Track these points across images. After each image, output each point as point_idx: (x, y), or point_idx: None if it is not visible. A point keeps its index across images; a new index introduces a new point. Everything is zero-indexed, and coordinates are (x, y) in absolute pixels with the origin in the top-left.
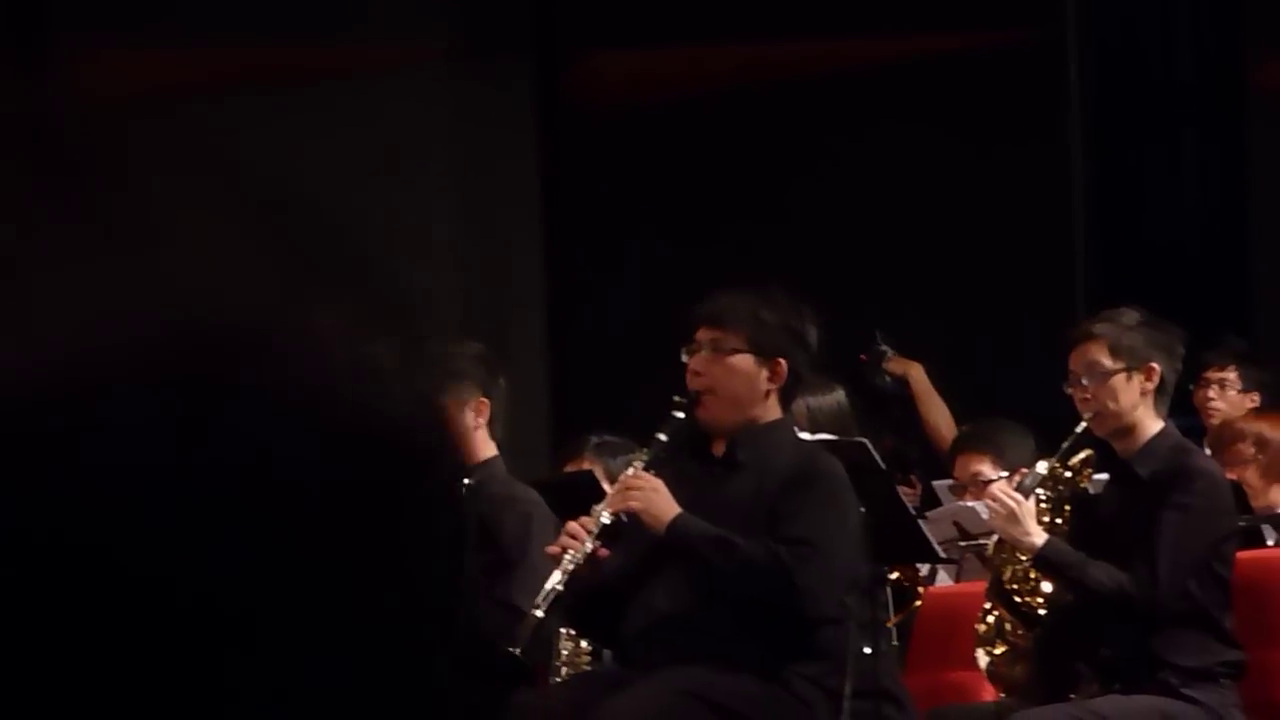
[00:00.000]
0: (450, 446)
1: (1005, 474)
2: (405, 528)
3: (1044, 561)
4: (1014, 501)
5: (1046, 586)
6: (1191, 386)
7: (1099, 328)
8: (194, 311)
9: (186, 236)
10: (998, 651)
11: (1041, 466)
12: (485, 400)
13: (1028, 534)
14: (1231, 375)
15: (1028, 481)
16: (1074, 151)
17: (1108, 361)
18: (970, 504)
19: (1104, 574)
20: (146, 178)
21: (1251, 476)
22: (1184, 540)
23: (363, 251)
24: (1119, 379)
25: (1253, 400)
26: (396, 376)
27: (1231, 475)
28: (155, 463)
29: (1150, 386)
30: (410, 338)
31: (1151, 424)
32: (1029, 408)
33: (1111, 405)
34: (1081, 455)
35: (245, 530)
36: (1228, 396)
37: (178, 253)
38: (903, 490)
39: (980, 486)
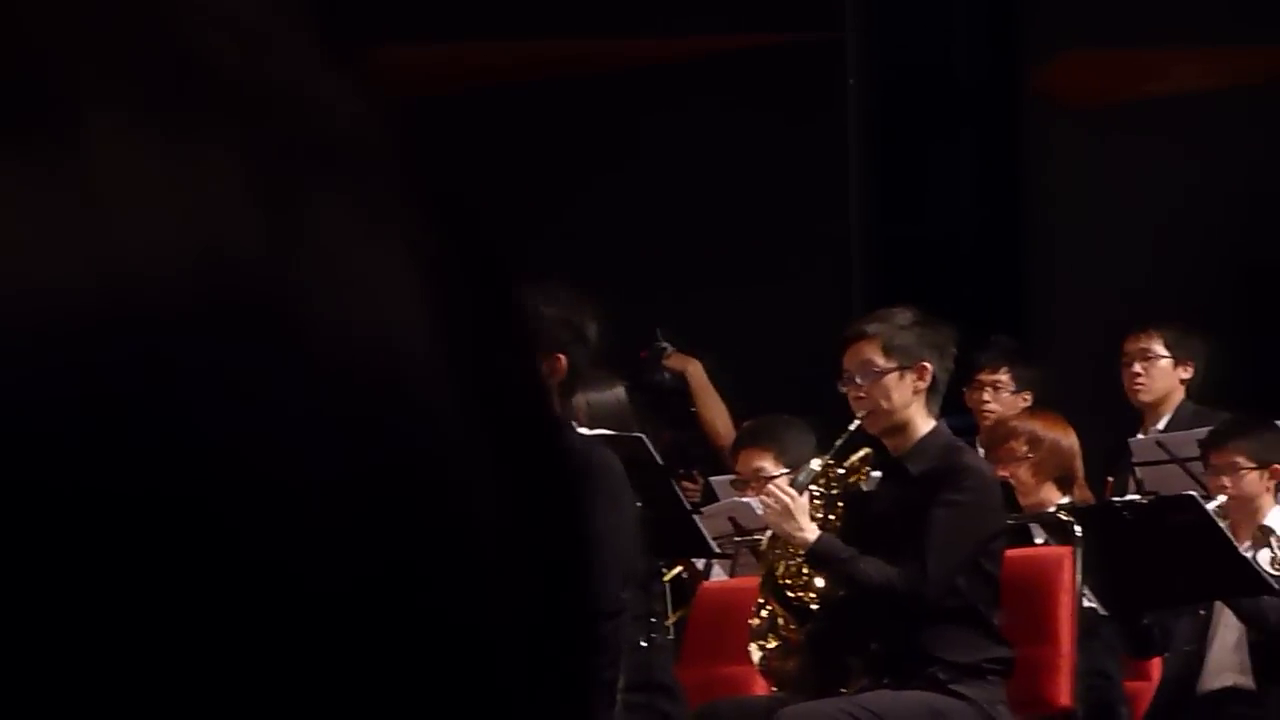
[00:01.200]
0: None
1: (787, 470)
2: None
3: (816, 556)
4: (788, 497)
5: (819, 582)
6: (965, 389)
7: (872, 327)
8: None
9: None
10: (770, 646)
11: (815, 463)
12: None
13: (800, 529)
14: (1004, 377)
15: (801, 478)
16: (851, 152)
17: (881, 360)
18: (746, 499)
19: (874, 569)
20: None
21: (1024, 474)
22: (953, 537)
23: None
24: (892, 378)
25: (1025, 400)
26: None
27: (1004, 473)
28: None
29: (922, 385)
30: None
31: (923, 422)
32: (807, 405)
33: (884, 403)
34: (860, 454)
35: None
36: (1001, 398)
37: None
38: (685, 486)
39: (762, 482)
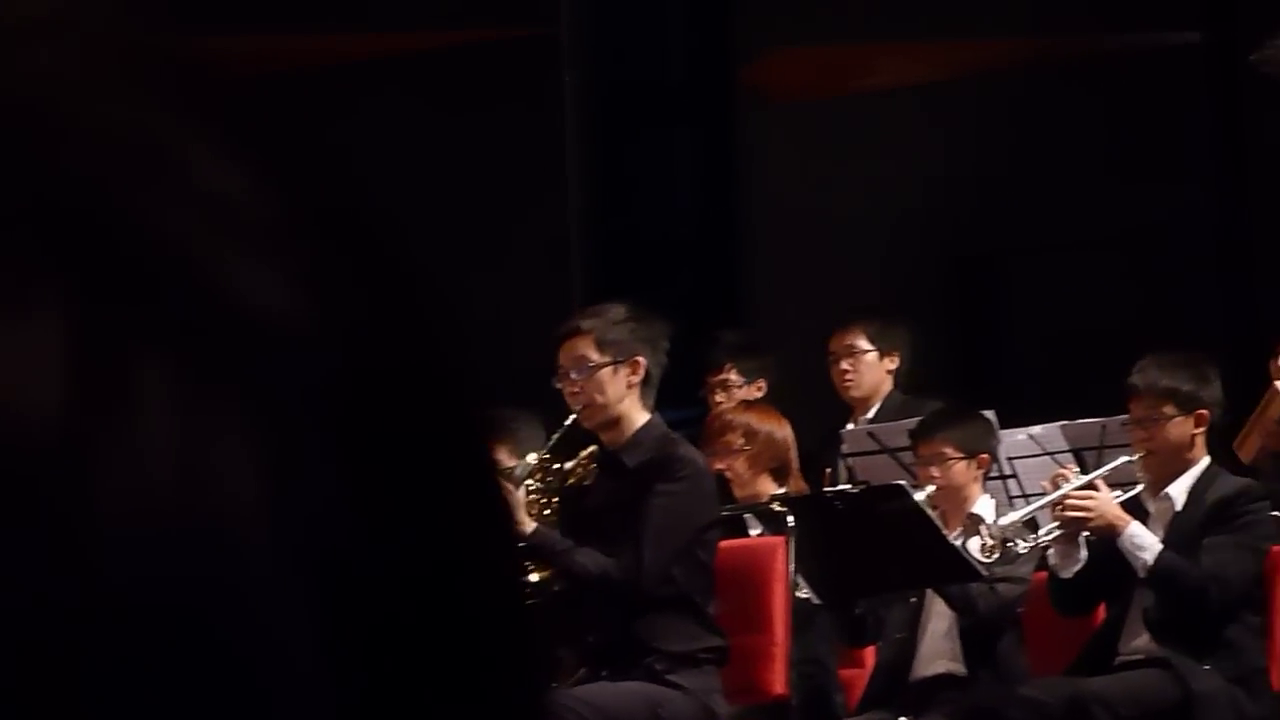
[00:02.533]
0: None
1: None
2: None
3: (531, 549)
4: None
5: (534, 576)
6: (702, 391)
7: (586, 323)
8: None
9: None
10: None
11: (531, 458)
12: None
13: (516, 522)
14: (731, 374)
15: (518, 472)
16: (568, 148)
17: (595, 355)
18: None
19: (589, 559)
20: None
21: (740, 466)
22: (668, 526)
23: None
24: (605, 372)
25: (759, 389)
26: None
27: (720, 465)
28: None
29: (636, 379)
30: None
31: (638, 416)
32: (526, 402)
33: (599, 398)
34: (586, 451)
35: None
36: (733, 395)
37: None
38: None
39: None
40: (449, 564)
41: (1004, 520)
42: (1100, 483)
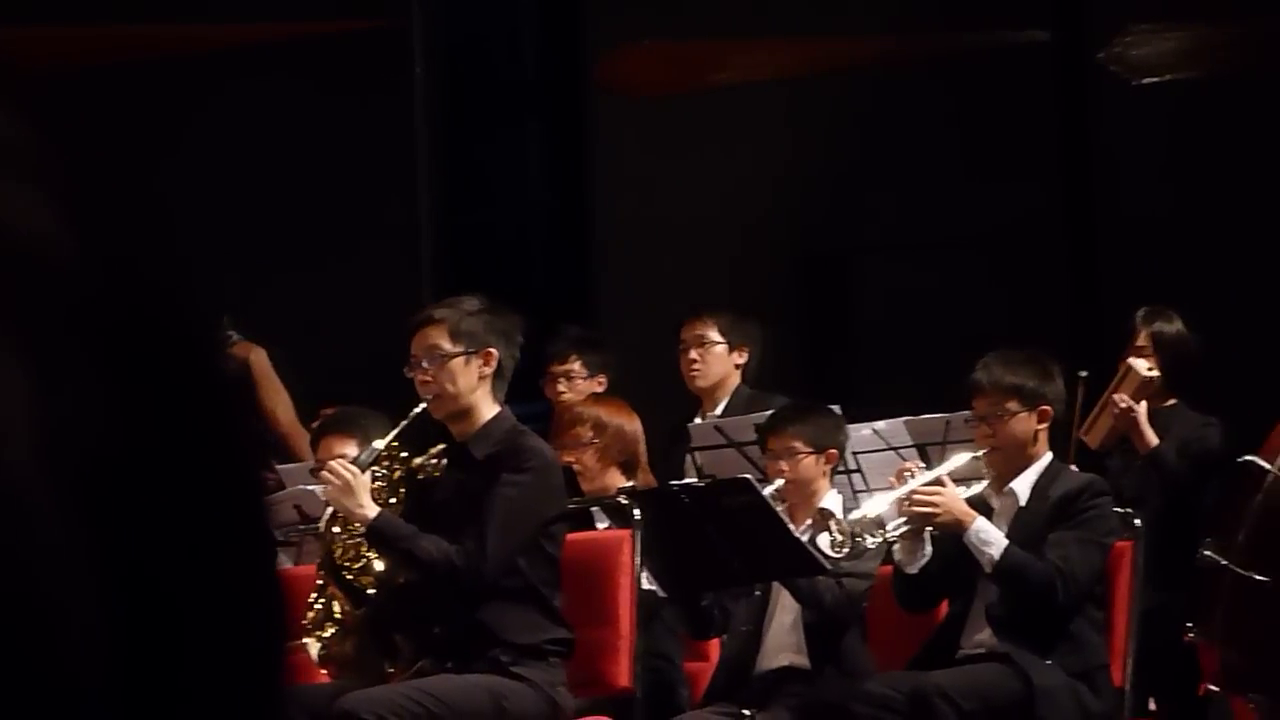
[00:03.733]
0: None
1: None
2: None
3: (375, 534)
4: (350, 474)
5: (378, 565)
6: (542, 381)
7: (439, 313)
8: None
9: None
10: (327, 635)
11: (378, 443)
12: None
13: (361, 506)
14: (575, 366)
15: (364, 457)
16: (419, 141)
17: (447, 345)
18: (311, 488)
19: (433, 546)
20: None
21: (589, 460)
22: (514, 517)
23: None
24: (458, 363)
25: (600, 383)
26: None
27: (570, 459)
28: None
29: (488, 371)
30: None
31: (488, 408)
32: (376, 392)
33: (450, 388)
34: (438, 448)
35: None
36: (575, 386)
37: None
38: (266, 476)
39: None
40: (202, 468)
41: (854, 515)
42: (946, 478)
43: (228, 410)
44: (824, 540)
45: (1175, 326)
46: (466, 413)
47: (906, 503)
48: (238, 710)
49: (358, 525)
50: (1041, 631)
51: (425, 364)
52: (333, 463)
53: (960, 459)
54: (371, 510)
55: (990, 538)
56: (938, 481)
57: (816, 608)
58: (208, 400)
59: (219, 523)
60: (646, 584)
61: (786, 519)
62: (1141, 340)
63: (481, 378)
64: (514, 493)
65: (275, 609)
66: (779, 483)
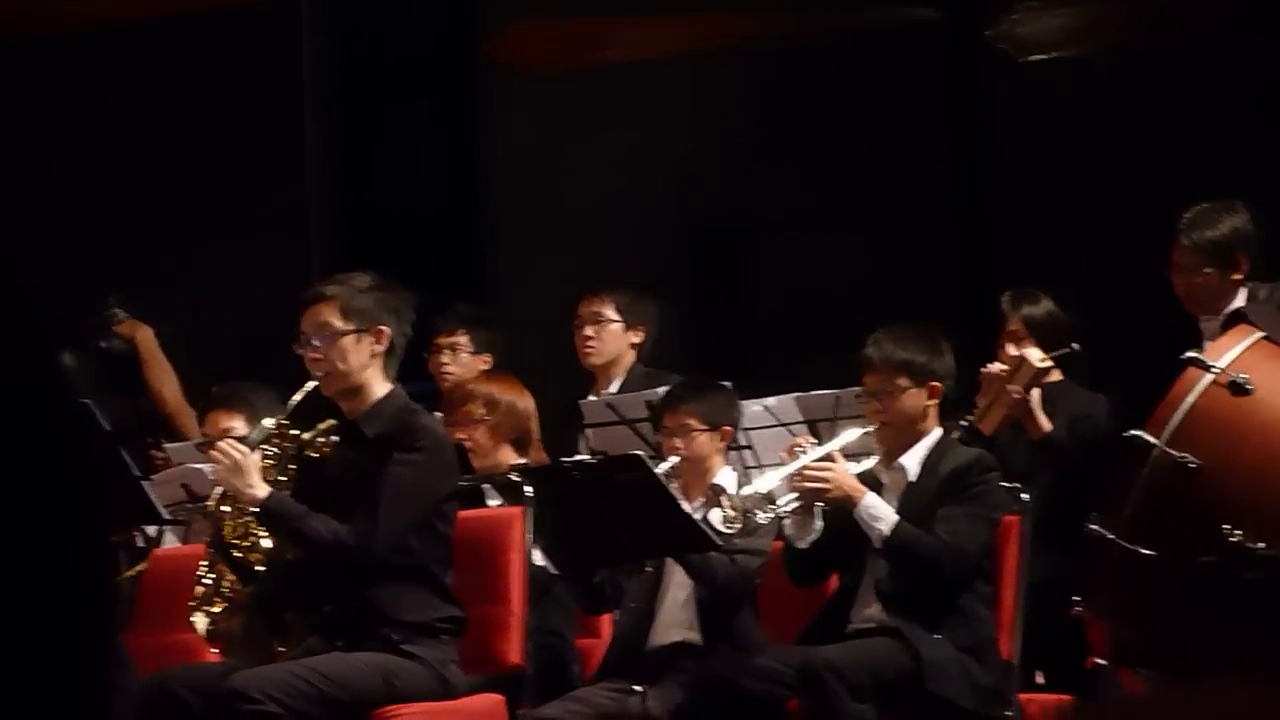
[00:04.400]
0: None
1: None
2: None
3: (266, 513)
4: (239, 454)
5: (266, 543)
6: (426, 354)
7: (330, 290)
8: None
9: None
10: (216, 610)
11: (268, 422)
12: None
13: (250, 486)
14: (462, 339)
15: (254, 436)
16: (308, 118)
17: (338, 323)
18: (199, 466)
19: (324, 526)
20: None
21: (481, 437)
22: (405, 496)
23: None
24: (348, 340)
25: (485, 362)
26: None
27: (461, 435)
28: None
29: (380, 349)
30: None
31: (380, 386)
32: (266, 370)
33: (341, 365)
34: (327, 424)
35: None
36: (460, 360)
37: None
38: (154, 455)
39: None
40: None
41: (745, 491)
42: (837, 454)
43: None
44: (715, 516)
45: (1043, 307)
46: (357, 390)
47: (797, 478)
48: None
49: (247, 504)
50: (930, 606)
51: (316, 341)
52: (222, 443)
53: (850, 435)
54: (262, 490)
55: (880, 513)
56: (828, 457)
57: (709, 584)
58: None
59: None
60: (539, 561)
61: (679, 495)
62: (1014, 325)
63: (373, 355)
64: (406, 472)
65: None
66: (673, 460)
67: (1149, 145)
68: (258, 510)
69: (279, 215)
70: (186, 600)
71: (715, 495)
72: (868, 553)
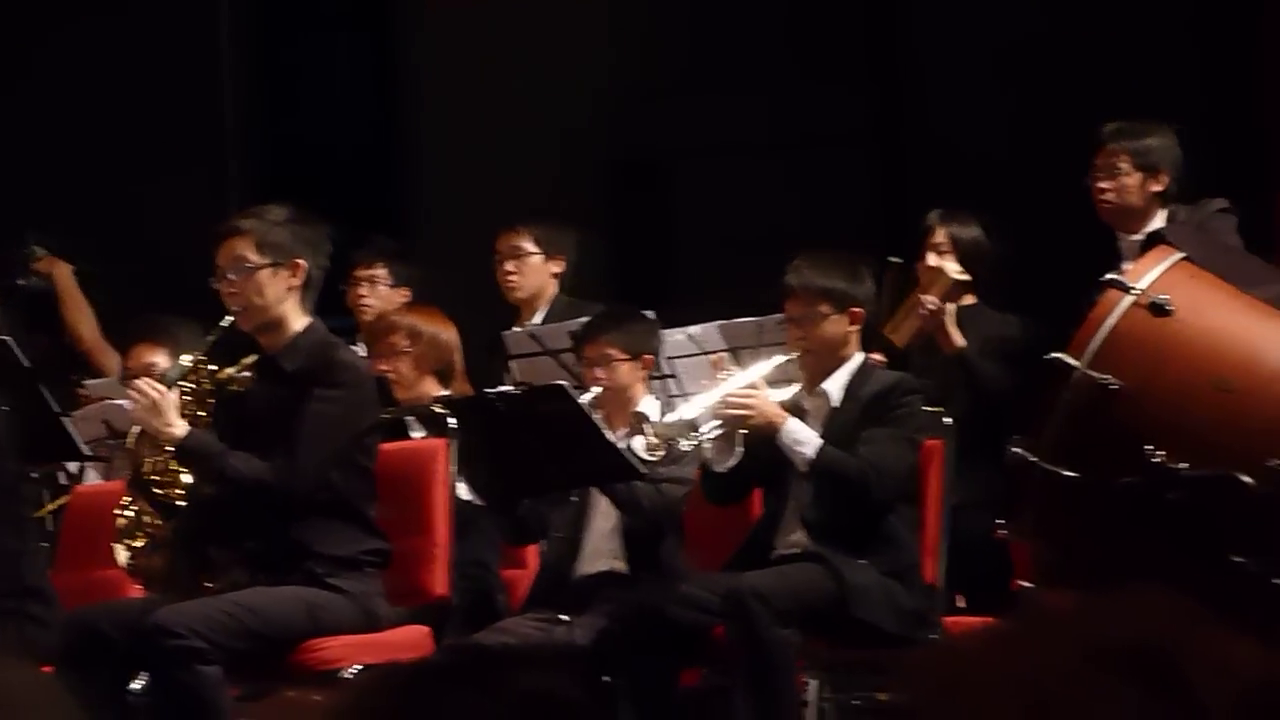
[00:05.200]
0: None
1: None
2: None
3: (185, 452)
4: (156, 392)
5: (187, 478)
6: (343, 287)
7: (245, 224)
8: None
9: None
10: (137, 545)
11: (185, 359)
12: None
13: (169, 425)
14: (381, 272)
15: (171, 373)
16: (224, 52)
17: (254, 257)
18: (120, 402)
19: (244, 463)
20: None
21: (404, 369)
22: (326, 431)
23: None
24: (265, 274)
25: (403, 295)
26: None
27: (385, 368)
28: None
29: (296, 282)
30: None
31: (298, 319)
32: (186, 304)
33: (258, 300)
34: (249, 359)
35: None
36: (378, 292)
37: None
38: (80, 393)
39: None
40: None
41: (668, 418)
42: (760, 381)
43: None
44: (639, 444)
45: (971, 230)
46: (275, 324)
47: (719, 405)
48: None
49: (166, 443)
50: (854, 531)
51: (231, 275)
52: (138, 381)
53: (773, 362)
54: (181, 429)
55: (803, 437)
56: (751, 385)
57: (635, 514)
58: None
59: None
60: (465, 495)
61: (603, 425)
62: (939, 238)
63: (289, 289)
64: (325, 408)
65: None
66: (596, 390)
67: (1072, 71)
68: (177, 449)
69: (198, 147)
70: (109, 536)
71: (638, 423)
72: (791, 479)
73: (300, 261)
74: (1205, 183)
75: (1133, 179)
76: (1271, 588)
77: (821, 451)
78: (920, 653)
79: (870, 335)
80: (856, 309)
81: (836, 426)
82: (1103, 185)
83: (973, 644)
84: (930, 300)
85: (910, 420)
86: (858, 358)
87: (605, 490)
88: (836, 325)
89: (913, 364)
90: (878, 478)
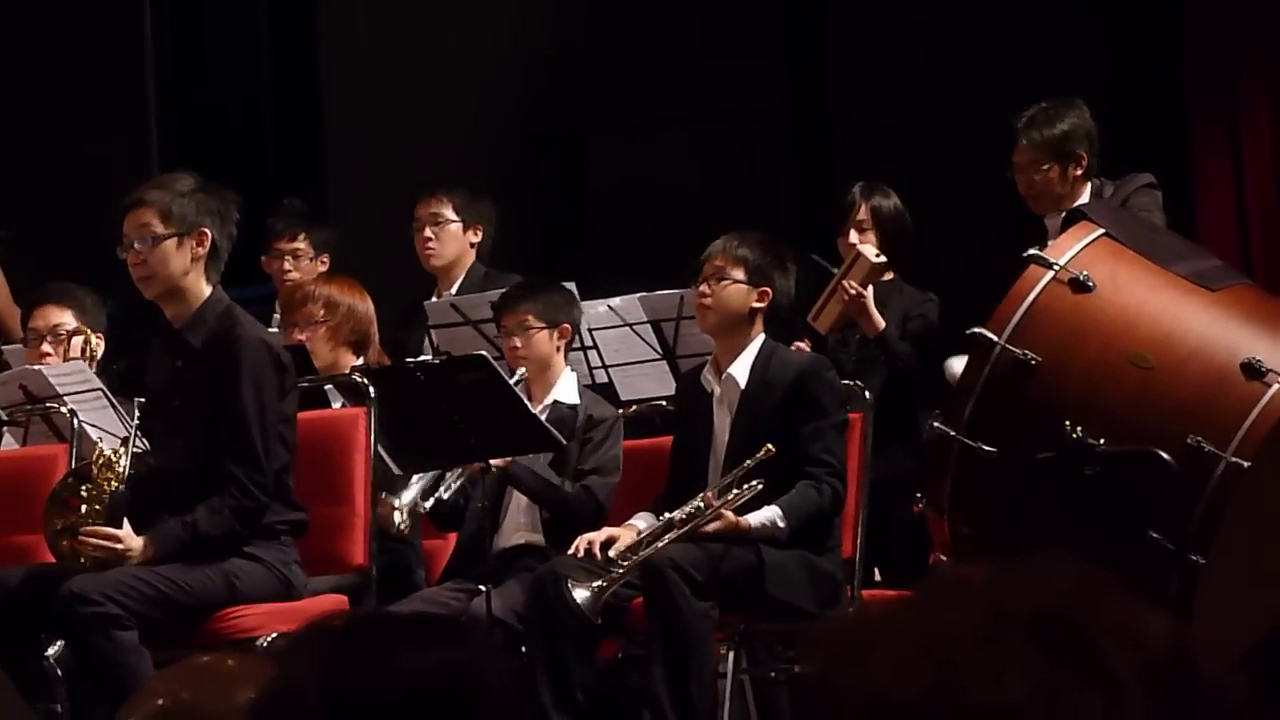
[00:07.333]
0: None
1: (91, 330)
2: None
3: (158, 558)
4: (109, 548)
5: (120, 465)
6: (264, 257)
7: (151, 194)
8: None
9: None
10: (58, 526)
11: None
12: None
13: (131, 551)
14: (302, 244)
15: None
16: (146, 19)
17: (159, 227)
18: (37, 368)
19: (208, 524)
20: None
21: (320, 339)
22: (260, 425)
23: None
24: (170, 244)
25: (323, 263)
26: None
27: (301, 337)
28: None
29: (202, 252)
30: None
31: (202, 289)
32: (95, 275)
33: (162, 270)
34: (110, 450)
35: None
36: (301, 265)
37: None
38: None
39: (60, 339)
40: None
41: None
42: (727, 512)
43: None
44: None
45: (892, 201)
46: (179, 295)
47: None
48: None
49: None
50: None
51: (137, 245)
52: (90, 548)
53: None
54: (137, 543)
55: (765, 519)
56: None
57: (567, 519)
58: None
59: None
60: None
61: (523, 395)
62: (861, 214)
63: (194, 259)
64: (249, 403)
65: None
66: (522, 371)
67: (992, 43)
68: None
69: (116, 116)
70: (26, 502)
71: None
72: (709, 454)
73: (206, 231)
74: (1127, 149)
75: (1053, 171)
76: (1187, 563)
77: (786, 517)
78: (830, 621)
79: (793, 325)
80: (767, 289)
81: (748, 410)
82: (1022, 181)
83: (882, 611)
84: (851, 285)
85: (836, 404)
86: (761, 338)
87: (536, 500)
88: (742, 296)
89: (828, 341)
90: (831, 486)
